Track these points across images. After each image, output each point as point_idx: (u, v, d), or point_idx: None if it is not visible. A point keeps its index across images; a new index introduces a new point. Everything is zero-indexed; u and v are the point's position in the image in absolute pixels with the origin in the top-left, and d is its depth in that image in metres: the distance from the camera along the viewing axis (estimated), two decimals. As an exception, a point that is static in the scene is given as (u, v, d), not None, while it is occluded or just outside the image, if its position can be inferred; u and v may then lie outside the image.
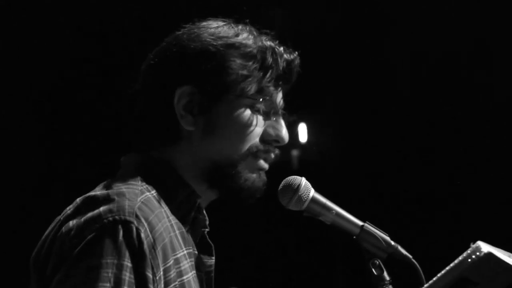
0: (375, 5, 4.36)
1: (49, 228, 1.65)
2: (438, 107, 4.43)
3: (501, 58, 4.28)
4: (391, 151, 4.48)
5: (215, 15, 1.90)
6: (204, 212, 1.82)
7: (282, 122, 1.84)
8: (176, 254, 1.64)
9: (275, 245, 4.52)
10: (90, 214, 1.56)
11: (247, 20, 1.85)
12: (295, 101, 1.93)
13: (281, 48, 1.82)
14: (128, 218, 1.54)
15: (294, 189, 1.85)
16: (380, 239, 1.85)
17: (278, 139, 1.82)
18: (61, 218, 1.62)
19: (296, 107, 1.94)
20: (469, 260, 1.59)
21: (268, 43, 1.81)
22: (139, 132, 1.82)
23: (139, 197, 1.62)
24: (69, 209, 1.63)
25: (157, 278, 1.55)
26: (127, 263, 1.50)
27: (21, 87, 4.31)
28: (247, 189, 1.79)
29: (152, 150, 1.79)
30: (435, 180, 4.41)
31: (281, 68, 1.80)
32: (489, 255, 1.58)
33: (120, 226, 1.53)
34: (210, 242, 1.83)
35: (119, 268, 1.49)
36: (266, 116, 1.81)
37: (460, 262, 1.60)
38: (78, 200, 1.64)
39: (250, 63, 1.77)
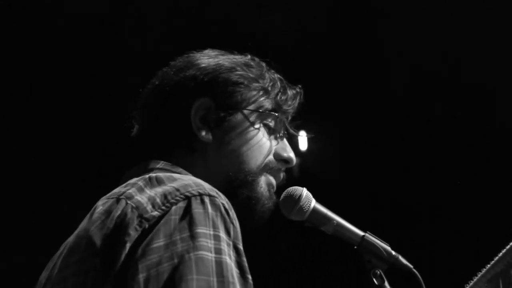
0: (371, 11, 4.37)
1: (104, 207, 1.55)
2: (439, 114, 4.44)
3: (501, 59, 4.28)
4: (391, 159, 4.49)
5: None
6: None
7: (289, 145, 1.88)
8: None
9: (276, 252, 4.53)
10: (161, 189, 1.51)
11: (249, 53, 1.89)
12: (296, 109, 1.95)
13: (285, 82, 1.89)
14: (211, 192, 1.50)
15: (296, 200, 1.87)
16: (381, 249, 1.86)
17: (288, 160, 1.86)
18: (120, 197, 1.54)
19: (297, 115, 1.96)
20: None
21: (276, 75, 1.87)
22: (153, 143, 1.81)
23: None
24: (125, 190, 1.56)
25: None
26: (222, 234, 1.46)
27: (21, 87, 4.31)
28: (262, 205, 1.81)
29: (168, 159, 1.77)
30: (435, 189, 4.41)
31: (289, 96, 1.86)
32: None
33: (206, 199, 1.48)
34: None
35: (217, 239, 1.44)
36: (279, 135, 1.86)
37: None
38: (133, 180, 1.59)
39: (266, 80, 1.82)
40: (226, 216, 1.48)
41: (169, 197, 1.48)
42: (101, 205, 1.58)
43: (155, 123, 1.81)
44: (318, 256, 4.53)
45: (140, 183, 1.56)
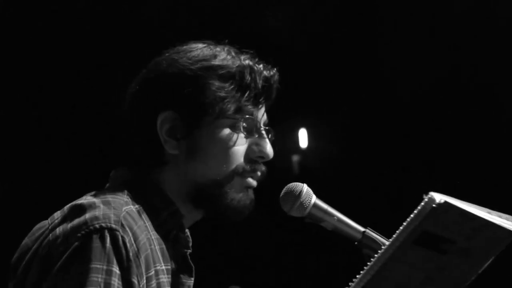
0: (375, 9, 4.36)
1: (36, 234, 1.70)
2: (439, 112, 4.43)
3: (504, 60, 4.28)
4: (392, 156, 4.48)
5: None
6: (188, 232, 1.88)
7: (266, 138, 1.88)
8: (156, 266, 1.70)
9: (276, 248, 4.53)
10: (76, 221, 1.62)
11: (226, 40, 1.89)
12: (296, 106, 1.95)
13: (260, 66, 1.86)
14: (114, 225, 1.61)
15: (296, 196, 1.87)
16: (382, 244, 1.86)
17: (262, 155, 1.86)
18: (49, 227, 1.68)
19: (297, 112, 1.96)
20: (425, 212, 1.50)
21: (247, 62, 1.85)
22: (128, 152, 1.87)
23: (124, 207, 1.68)
24: (57, 217, 1.69)
25: (141, 286, 1.61)
26: (115, 269, 1.57)
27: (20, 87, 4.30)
28: (233, 208, 1.83)
29: (140, 169, 1.84)
30: (436, 185, 4.41)
31: (260, 85, 1.84)
32: (445, 204, 1.50)
33: (106, 233, 1.59)
34: (192, 264, 1.86)
35: (108, 273, 1.56)
36: (249, 134, 1.85)
37: (416, 215, 1.52)
38: (65, 208, 1.70)
39: (227, 84, 1.81)
40: (123, 250, 1.59)
41: (76, 232, 1.60)
42: (37, 229, 1.72)
43: (130, 134, 1.86)
44: (318, 251, 4.53)
45: (67, 212, 1.68)
